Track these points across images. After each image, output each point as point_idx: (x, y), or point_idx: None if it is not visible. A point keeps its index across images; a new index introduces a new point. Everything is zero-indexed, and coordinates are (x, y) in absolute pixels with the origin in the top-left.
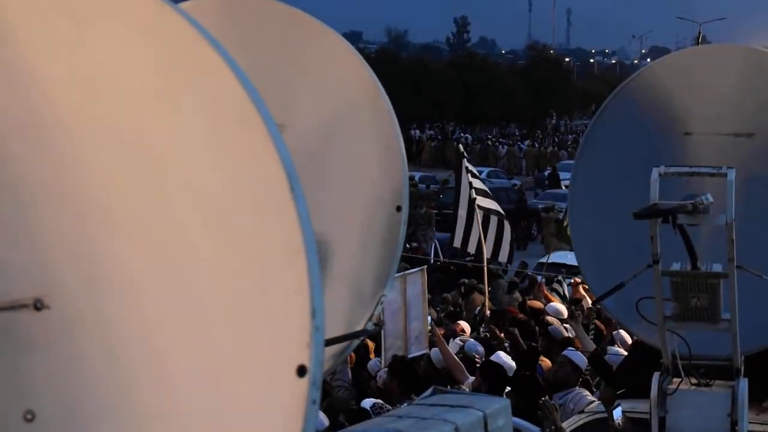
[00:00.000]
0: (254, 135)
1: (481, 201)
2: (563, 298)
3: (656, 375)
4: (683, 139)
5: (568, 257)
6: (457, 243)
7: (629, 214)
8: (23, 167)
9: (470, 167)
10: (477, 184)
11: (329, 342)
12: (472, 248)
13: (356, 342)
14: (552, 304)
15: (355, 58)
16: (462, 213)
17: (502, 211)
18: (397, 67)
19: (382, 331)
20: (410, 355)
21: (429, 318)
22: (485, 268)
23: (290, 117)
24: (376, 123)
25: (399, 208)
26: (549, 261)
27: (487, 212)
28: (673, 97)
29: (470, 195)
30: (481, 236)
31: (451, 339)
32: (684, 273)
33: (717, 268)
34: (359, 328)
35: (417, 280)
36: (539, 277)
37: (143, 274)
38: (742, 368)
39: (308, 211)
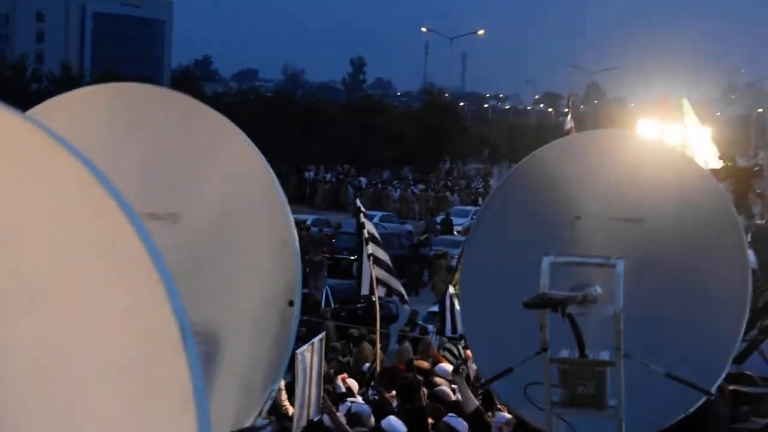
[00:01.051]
0: (147, 282)
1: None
2: (457, 357)
3: None
4: (574, 222)
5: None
6: (364, 290)
7: (519, 299)
8: None
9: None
10: (369, 227)
11: None
12: (365, 290)
13: None
14: (441, 365)
15: (251, 151)
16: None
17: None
18: (293, 107)
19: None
20: (314, 417)
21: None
22: (377, 316)
23: (185, 206)
24: (271, 217)
25: (291, 303)
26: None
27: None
28: (564, 180)
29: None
30: (373, 279)
31: (340, 403)
32: (572, 360)
33: (604, 355)
34: (248, 423)
35: (318, 347)
36: (430, 329)
37: (35, 418)
38: None
39: (199, 363)
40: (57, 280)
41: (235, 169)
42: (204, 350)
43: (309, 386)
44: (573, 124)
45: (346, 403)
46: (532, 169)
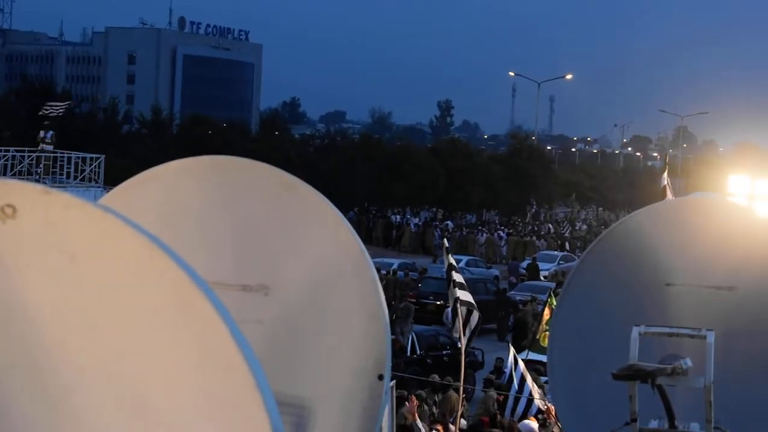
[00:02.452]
0: (240, 384)
1: (460, 294)
2: (541, 411)
3: None
4: (664, 290)
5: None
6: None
7: (608, 367)
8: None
9: (450, 259)
10: (456, 277)
11: None
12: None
13: None
14: (526, 422)
15: (342, 224)
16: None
17: (473, 303)
18: (380, 150)
19: None
20: None
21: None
22: (462, 364)
23: (276, 278)
24: (362, 291)
25: (381, 377)
26: (528, 358)
27: (465, 305)
28: (654, 246)
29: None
30: (461, 329)
31: None
32: (662, 431)
33: (695, 427)
34: None
35: (388, 396)
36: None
37: None
38: None
39: None
40: (153, 382)
41: (326, 242)
42: (293, 421)
43: None
44: (669, 182)
45: None
46: (622, 234)
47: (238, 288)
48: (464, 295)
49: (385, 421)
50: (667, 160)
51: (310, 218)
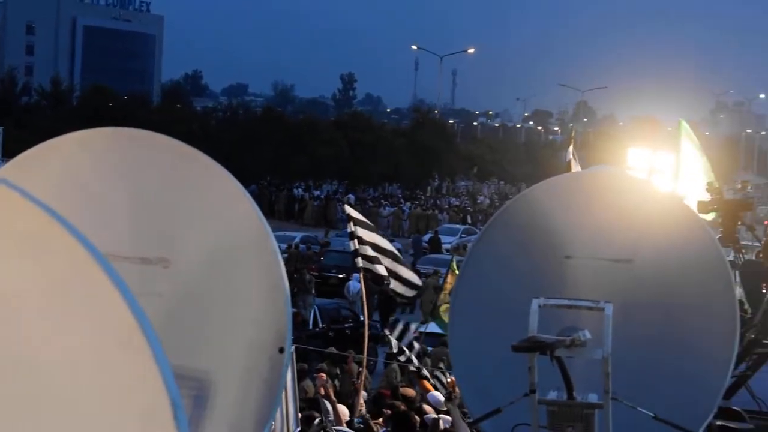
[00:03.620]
0: (139, 359)
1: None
2: (444, 385)
3: None
4: (563, 262)
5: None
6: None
7: (509, 338)
8: None
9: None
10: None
11: None
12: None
13: None
14: (433, 393)
15: (242, 197)
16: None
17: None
18: (282, 123)
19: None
20: None
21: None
22: (365, 335)
23: (175, 251)
24: (262, 264)
25: (282, 350)
26: (428, 330)
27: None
28: (553, 219)
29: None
30: (363, 298)
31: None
32: (560, 403)
33: (593, 398)
34: None
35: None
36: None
37: None
38: None
39: None
40: (50, 357)
41: (226, 214)
42: (194, 394)
43: (285, 405)
44: (574, 155)
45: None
46: (522, 207)
47: (137, 261)
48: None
49: (289, 390)
50: (573, 134)
51: (211, 191)
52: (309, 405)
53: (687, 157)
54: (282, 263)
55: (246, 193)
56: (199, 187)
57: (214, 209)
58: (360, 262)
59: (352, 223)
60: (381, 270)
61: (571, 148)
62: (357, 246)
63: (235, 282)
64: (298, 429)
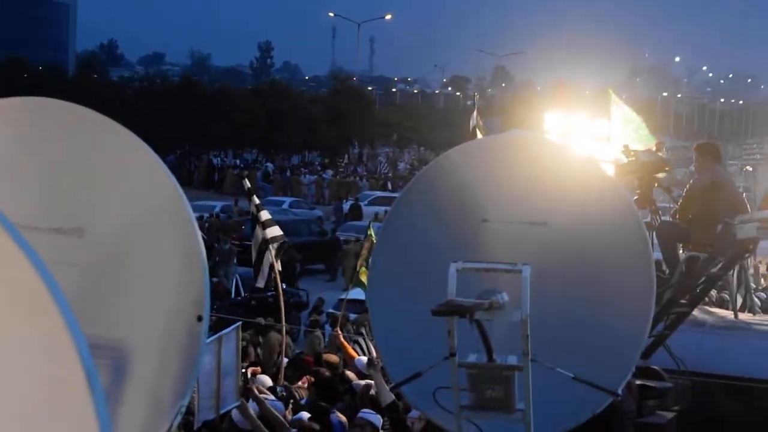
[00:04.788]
0: (51, 328)
1: (269, 232)
2: (364, 351)
3: None
4: (481, 226)
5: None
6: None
7: (427, 302)
8: None
9: (255, 199)
10: (263, 215)
11: None
12: (261, 283)
13: None
14: (359, 358)
15: (159, 167)
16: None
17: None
18: (200, 92)
19: (196, 395)
20: (222, 410)
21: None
22: (281, 304)
23: (90, 221)
24: (178, 233)
25: (200, 318)
26: (349, 297)
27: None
28: (470, 183)
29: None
30: (275, 269)
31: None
32: (480, 365)
33: (512, 360)
34: None
35: (232, 337)
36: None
37: None
38: None
39: (107, 407)
40: None
41: (140, 183)
42: (112, 364)
43: (217, 379)
44: (479, 121)
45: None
46: (439, 171)
47: (51, 231)
48: (274, 231)
49: (228, 362)
50: (477, 99)
51: (125, 160)
52: None
53: (618, 123)
54: (198, 231)
55: (160, 162)
56: (113, 157)
57: (129, 178)
58: (266, 233)
59: (253, 196)
60: (277, 230)
61: (475, 113)
62: (260, 216)
63: (152, 251)
64: (237, 402)
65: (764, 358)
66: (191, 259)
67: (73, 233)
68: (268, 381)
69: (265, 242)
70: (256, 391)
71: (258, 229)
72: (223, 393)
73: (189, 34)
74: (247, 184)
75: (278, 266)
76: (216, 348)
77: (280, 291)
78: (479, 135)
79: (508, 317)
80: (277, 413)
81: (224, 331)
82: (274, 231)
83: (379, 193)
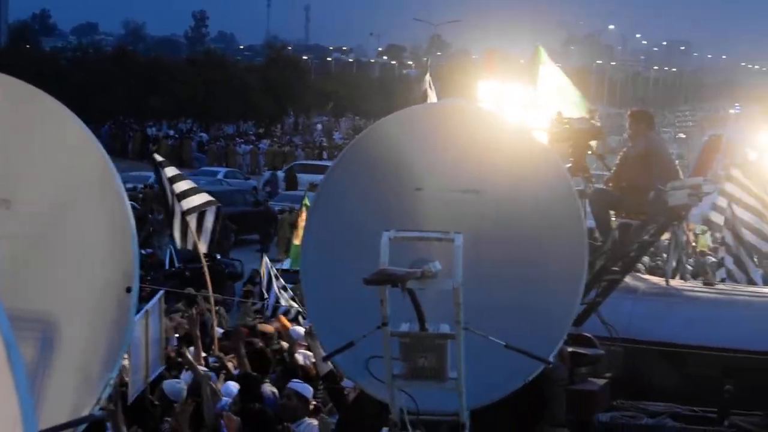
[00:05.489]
0: None
1: (190, 201)
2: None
3: (385, 430)
4: (414, 194)
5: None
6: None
7: (360, 272)
8: None
9: (168, 172)
10: (181, 186)
11: (53, 429)
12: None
13: (82, 427)
14: (295, 328)
15: (88, 139)
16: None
17: (213, 200)
18: (134, 62)
19: (129, 367)
20: (151, 378)
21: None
22: (207, 276)
23: (18, 192)
24: (107, 204)
25: (129, 289)
26: (284, 267)
27: (200, 209)
28: (404, 152)
29: (173, 204)
30: (195, 239)
31: (184, 370)
32: (412, 334)
33: (444, 329)
34: (86, 412)
35: (156, 308)
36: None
37: None
38: (468, 423)
39: (26, 379)
40: None
41: (69, 155)
42: (40, 336)
43: (146, 352)
44: (429, 87)
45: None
46: (373, 139)
47: None
48: (193, 201)
49: (151, 332)
50: (428, 63)
51: (53, 131)
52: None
53: (549, 81)
54: (128, 203)
55: (90, 133)
56: (42, 128)
57: (58, 150)
58: (182, 205)
59: (164, 170)
60: (195, 200)
61: (427, 76)
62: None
63: (80, 223)
64: (162, 368)
65: (694, 324)
66: (120, 231)
67: (0, 204)
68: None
69: (182, 214)
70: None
71: (174, 202)
72: (150, 361)
73: (122, 3)
74: (158, 157)
75: (197, 237)
76: (144, 322)
77: (204, 262)
78: (430, 98)
79: (440, 286)
80: (209, 380)
81: (149, 305)
82: (192, 201)
83: (315, 162)
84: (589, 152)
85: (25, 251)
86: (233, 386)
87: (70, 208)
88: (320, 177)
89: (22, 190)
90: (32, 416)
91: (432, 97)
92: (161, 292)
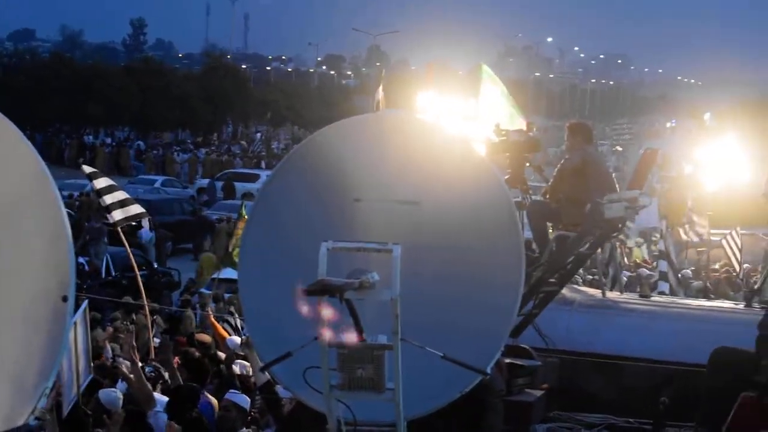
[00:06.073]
0: None
1: (119, 213)
2: (237, 331)
3: None
4: (353, 205)
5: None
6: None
7: (299, 282)
8: None
9: (97, 184)
10: (108, 200)
11: None
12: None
13: None
14: (231, 338)
15: (24, 147)
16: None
17: (144, 212)
18: (71, 69)
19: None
20: (82, 387)
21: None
22: (140, 286)
23: None
24: (43, 213)
25: (65, 298)
26: (221, 276)
27: (132, 221)
28: (343, 162)
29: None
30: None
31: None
32: (350, 345)
33: (382, 339)
34: (21, 423)
35: (82, 318)
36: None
37: None
38: None
39: None
40: None
41: (5, 162)
42: None
43: (76, 362)
44: (381, 97)
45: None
46: (312, 150)
47: None
48: (123, 213)
49: (80, 342)
50: (382, 74)
51: None
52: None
53: (489, 100)
54: (64, 211)
55: (26, 141)
56: None
57: None
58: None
59: (93, 181)
60: (131, 211)
61: (380, 89)
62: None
63: (15, 232)
64: (91, 376)
65: (630, 335)
66: (56, 240)
67: None
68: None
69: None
70: (124, 369)
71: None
72: (81, 372)
73: (59, 10)
74: (88, 169)
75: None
76: (73, 333)
77: (137, 272)
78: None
79: (378, 296)
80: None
81: (76, 315)
82: (118, 215)
83: (251, 171)
84: (527, 164)
85: None
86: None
87: (6, 216)
88: (258, 186)
89: None
90: None
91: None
92: (86, 302)
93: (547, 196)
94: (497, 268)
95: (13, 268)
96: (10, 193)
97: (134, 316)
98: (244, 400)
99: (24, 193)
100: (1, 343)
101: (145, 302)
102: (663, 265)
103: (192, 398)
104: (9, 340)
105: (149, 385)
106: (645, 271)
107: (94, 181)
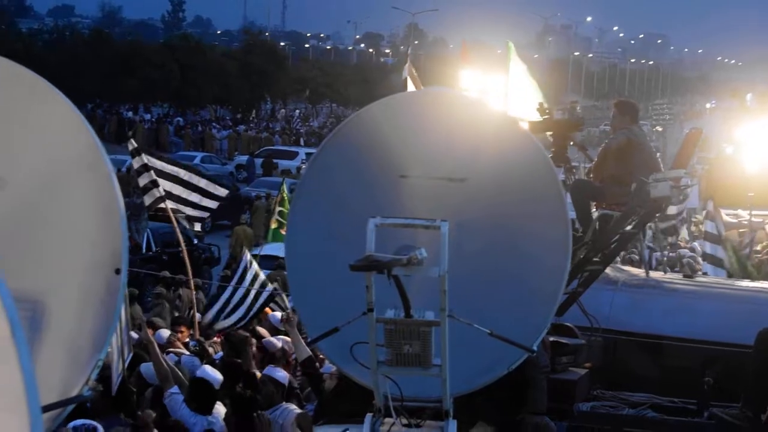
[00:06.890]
0: None
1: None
2: (282, 307)
3: (368, 416)
4: (399, 182)
5: (281, 249)
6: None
7: (346, 258)
8: None
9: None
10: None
11: (45, 408)
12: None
13: (71, 407)
14: (272, 313)
15: (77, 119)
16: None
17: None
18: (111, 46)
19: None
20: (126, 361)
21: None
22: (187, 262)
23: (11, 172)
24: (97, 185)
25: (118, 271)
26: (262, 253)
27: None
28: (388, 139)
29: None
30: (176, 230)
31: (165, 353)
32: (397, 321)
33: (429, 315)
34: (75, 393)
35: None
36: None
37: None
38: (452, 410)
39: (31, 359)
40: None
41: (59, 135)
42: (29, 316)
43: (120, 337)
44: (409, 75)
45: (171, 356)
46: (356, 128)
47: None
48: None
49: (123, 318)
50: (409, 52)
51: (44, 111)
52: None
53: (515, 78)
54: (116, 184)
55: (78, 113)
56: (30, 107)
57: (47, 130)
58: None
59: (145, 156)
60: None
61: (407, 66)
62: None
63: (70, 203)
64: (131, 353)
65: (674, 315)
66: (109, 212)
67: None
68: (165, 333)
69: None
70: (157, 348)
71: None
72: (124, 346)
73: None
74: (133, 144)
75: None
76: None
77: (184, 247)
78: (410, 87)
79: (426, 273)
80: (169, 368)
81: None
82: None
83: (291, 148)
84: (571, 143)
85: (15, 230)
86: (209, 370)
87: (61, 187)
88: (296, 163)
89: (13, 169)
90: (35, 393)
91: (411, 87)
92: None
93: (591, 175)
94: (544, 246)
95: (68, 239)
96: (64, 165)
97: (180, 291)
98: (282, 376)
99: (79, 165)
100: (56, 313)
101: (191, 277)
102: (707, 247)
103: (234, 374)
104: (64, 311)
105: (167, 365)
106: (687, 252)
107: (142, 155)
